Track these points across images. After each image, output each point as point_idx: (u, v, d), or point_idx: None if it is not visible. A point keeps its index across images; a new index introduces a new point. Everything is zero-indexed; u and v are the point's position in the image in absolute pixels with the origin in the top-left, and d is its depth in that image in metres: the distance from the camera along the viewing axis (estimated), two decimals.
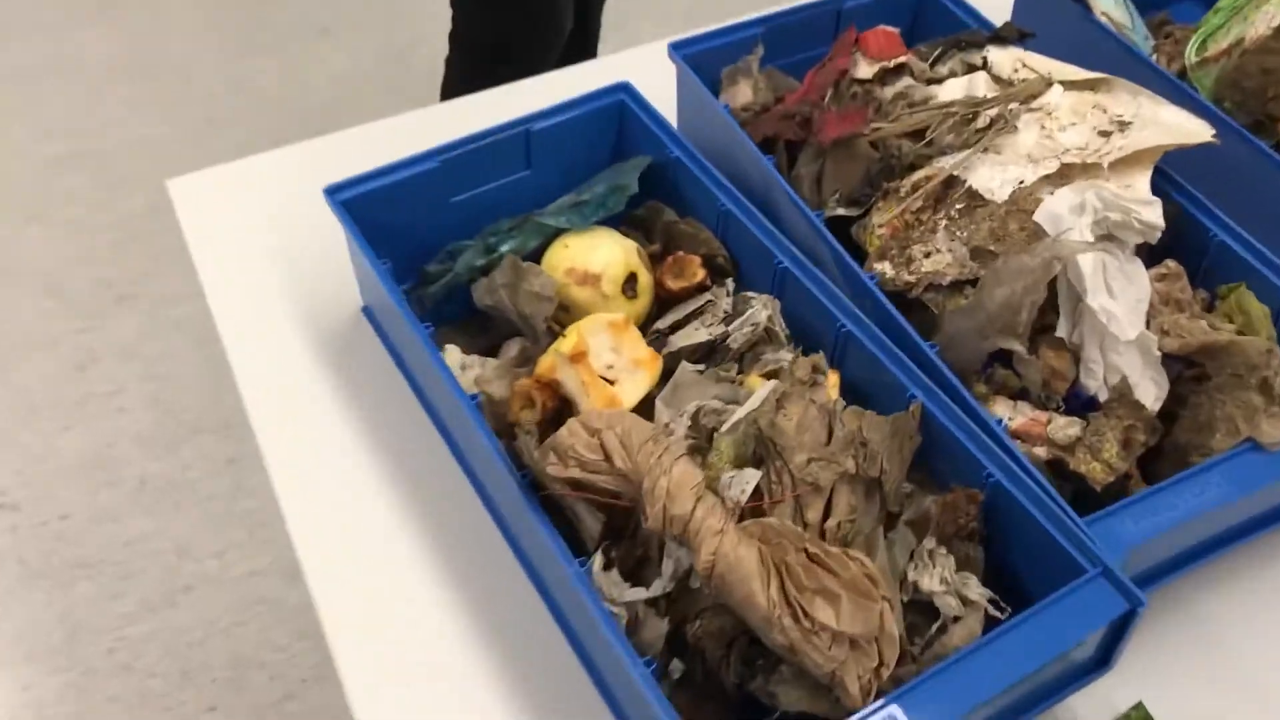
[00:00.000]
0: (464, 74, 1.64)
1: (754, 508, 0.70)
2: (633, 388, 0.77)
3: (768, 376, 0.77)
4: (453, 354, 0.82)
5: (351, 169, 0.86)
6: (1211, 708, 0.75)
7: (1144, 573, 0.75)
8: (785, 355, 0.78)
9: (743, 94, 0.94)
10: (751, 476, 0.70)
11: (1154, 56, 0.99)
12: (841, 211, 0.88)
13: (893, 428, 0.73)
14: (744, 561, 0.65)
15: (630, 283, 0.85)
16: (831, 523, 0.70)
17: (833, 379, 0.77)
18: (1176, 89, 0.91)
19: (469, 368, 0.81)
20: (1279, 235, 0.83)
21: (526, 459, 0.72)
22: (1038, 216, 0.79)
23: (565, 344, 0.78)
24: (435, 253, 0.88)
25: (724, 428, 0.73)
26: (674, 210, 0.90)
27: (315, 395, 0.88)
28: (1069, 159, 0.82)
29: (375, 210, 0.86)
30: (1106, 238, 0.79)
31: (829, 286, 0.80)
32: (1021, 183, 0.81)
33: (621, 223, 0.91)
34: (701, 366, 0.79)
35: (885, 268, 0.81)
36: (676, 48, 0.95)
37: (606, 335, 0.78)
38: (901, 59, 0.91)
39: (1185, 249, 0.84)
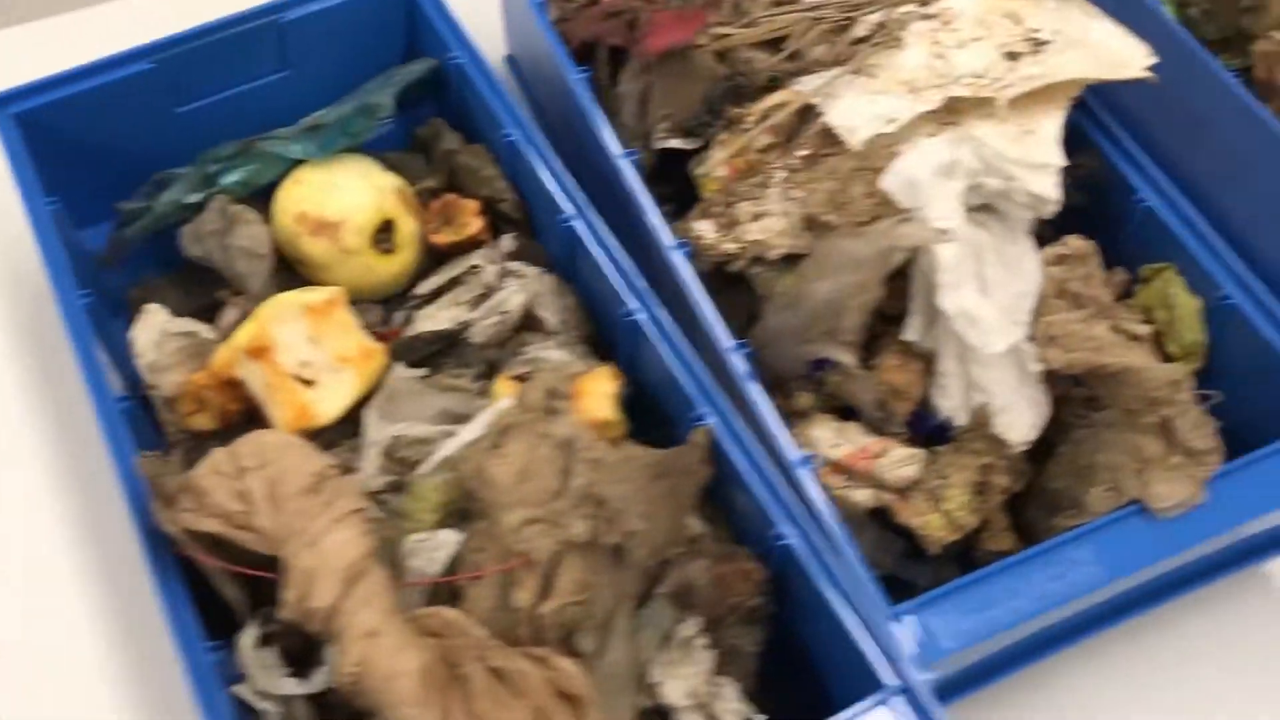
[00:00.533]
0: None
1: (449, 585, 0.54)
2: (335, 394, 0.60)
3: (519, 380, 0.59)
4: (154, 318, 0.65)
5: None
6: None
7: (976, 668, 0.57)
8: (555, 354, 0.60)
9: None
10: (446, 542, 0.54)
11: None
12: (676, 143, 0.67)
13: (656, 470, 0.55)
14: (400, 680, 0.48)
15: (383, 233, 0.66)
16: (551, 606, 0.53)
17: (602, 382, 0.59)
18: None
19: (170, 339, 0.65)
20: (1238, 198, 0.61)
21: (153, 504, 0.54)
22: (887, 180, 0.58)
23: (245, 333, 0.60)
24: (137, 188, 0.70)
25: (424, 467, 0.56)
26: (459, 134, 0.71)
27: None
28: (959, 90, 0.60)
29: (68, 126, 0.68)
30: (985, 209, 0.58)
31: (617, 256, 0.61)
32: (892, 121, 0.59)
33: (403, 146, 0.73)
34: (424, 371, 0.61)
35: (706, 230, 0.61)
36: None
37: (302, 322, 0.60)
38: None
39: (1107, 214, 0.63)
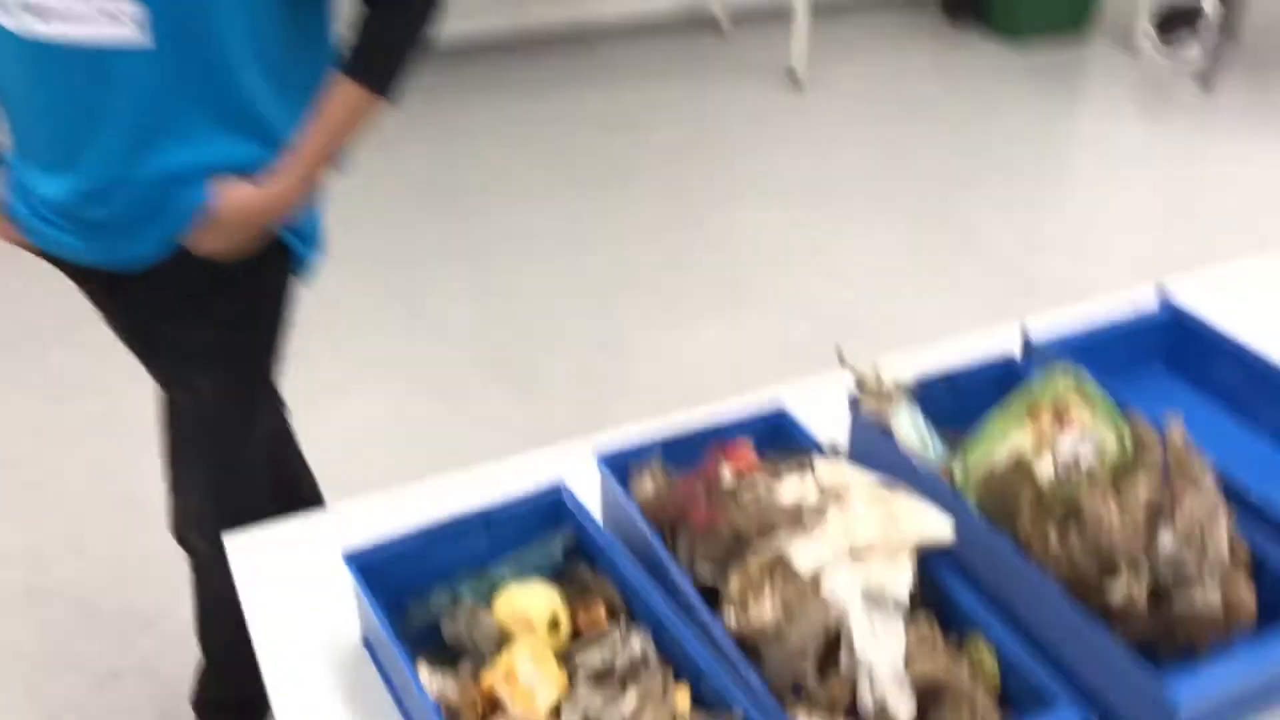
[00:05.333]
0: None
1: None
2: (545, 696, 1.24)
3: (640, 690, 1.24)
4: (423, 669, 1.28)
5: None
6: None
7: None
8: (656, 676, 1.26)
9: (646, 487, 1.44)
10: None
11: (943, 469, 1.48)
12: (708, 575, 1.37)
13: None
14: None
15: (554, 622, 1.32)
16: None
17: (683, 693, 1.25)
18: (949, 496, 1.35)
19: (434, 680, 1.27)
20: (1015, 596, 1.34)
21: None
22: (825, 587, 1.27)
23: (501, 666, 1.26)
24: (417, 596, 1.36)
25: None
26: (590, 568, 1.39)
27: (325, 705, 1.31)
28: (858, 544, 1.30)
29: (378, 567, 1.28)
30: (872, 601, 1.31)
31: (687, 630, 1.28)
32: (821, 561, 1.28)
33: (553, 574, 1.32)
34: (593, 682, 1.25)
35: (731, 616, 1.28)
36: (604, 460, 1.41)
37: (529, 659, 1.26)
38: (754, 469, 1.42)
39: (945, 604, 1.33)
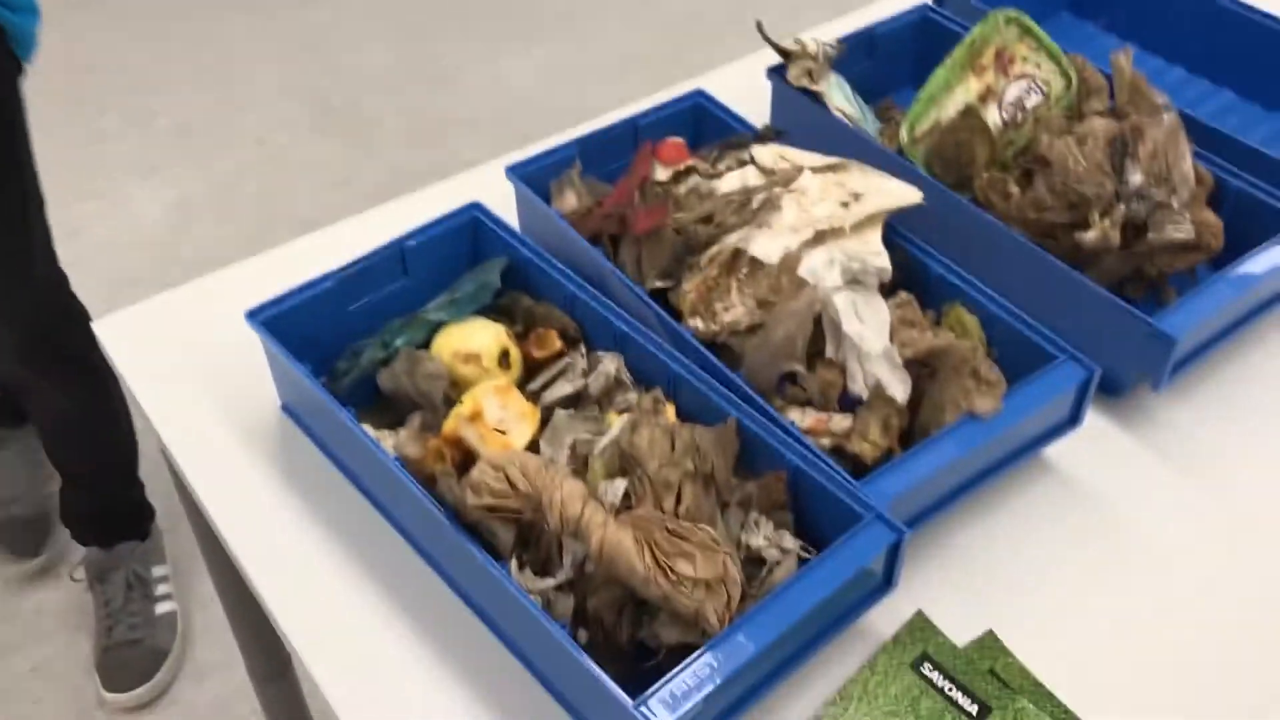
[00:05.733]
0: None
1: (625, 506, 1.04)
2: (520, 434, 1.12)
3: (621, 412, 1.13)
4: (367, 430, 1.12)
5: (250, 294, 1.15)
6: (968, 608, 1.05)
7: (910, 516, 1.10)
8: (632, 396, 1.15)
9: (569, 201, 1.29)
10: (620, 484, 1.04)
11: (880, 138, 1.37)
12: (659, 284, 1.24)
13: (717, 437, 1.09)
14: (623, 542, 0.97)
15: (503, 357, 1.19)
16: (681, 509, 1.03)
17: (670, 408, 1.14)
18: (897, 163, 1.25)
19: (382, 440, 1.13)
20: (980, 264, 1.24)
21: (450, 497, 1.03)
22: (801, 272, 1.17)
23: (464, 408, 1.12)
24: (338, 353, 1.21)
25: (595, 452, 1.08)
26: (530, 297, 1.25)
27: (256, 483, 1.13)
28: (820, 227, 1.19)
29: (287, 325, 1.13)
30: (853, 282, 1.20)
31: (657, 341, 1.16)
32: (788, 249, 1.18)
33: (489, 312, 1.19)
34: (570, 411, 1.14)
35: (697, 323, 1.18)
36: (512, 169, 1.27)
37: (494, 397, 1.13)
38: (689, 163, 1.27)
39: (914, 282, 1.23)
